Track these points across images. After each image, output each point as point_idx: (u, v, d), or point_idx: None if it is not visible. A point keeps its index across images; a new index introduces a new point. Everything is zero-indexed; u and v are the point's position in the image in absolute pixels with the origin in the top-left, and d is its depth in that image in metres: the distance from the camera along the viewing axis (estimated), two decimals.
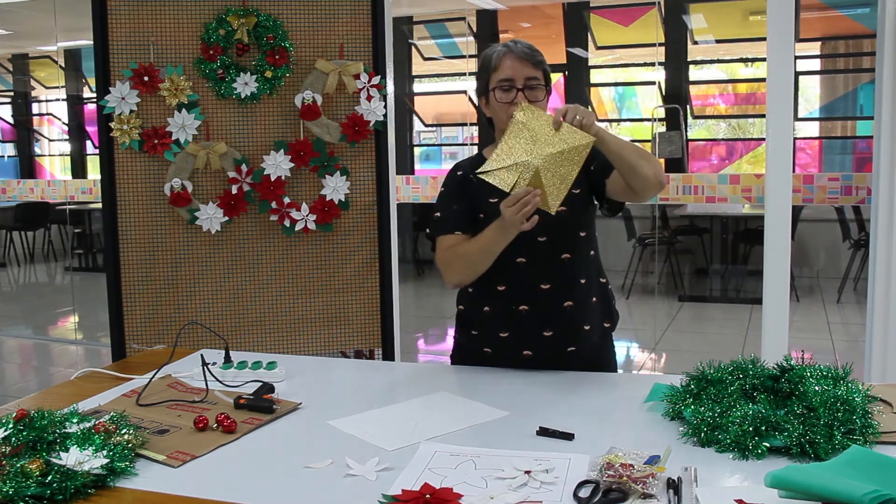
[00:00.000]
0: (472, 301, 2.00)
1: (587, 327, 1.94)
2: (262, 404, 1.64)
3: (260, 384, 1.74)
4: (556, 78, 8.94)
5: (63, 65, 9.37)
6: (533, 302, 1.90)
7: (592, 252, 1.98)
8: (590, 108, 8.73)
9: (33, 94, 10.72)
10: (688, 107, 8.36)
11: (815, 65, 8.51)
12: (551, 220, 1.75)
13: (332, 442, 1.48)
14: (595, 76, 8.95)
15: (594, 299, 1.97)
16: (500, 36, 8.76)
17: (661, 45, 7.89)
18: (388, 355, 2.82)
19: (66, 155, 10.26)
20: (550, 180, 1.65)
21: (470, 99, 8.29)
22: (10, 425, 1.38)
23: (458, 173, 2.02)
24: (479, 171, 1.70)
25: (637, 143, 1.88)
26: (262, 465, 1.39)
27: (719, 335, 6.16)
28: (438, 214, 1.98)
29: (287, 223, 2.67)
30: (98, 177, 2.79)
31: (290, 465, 1.38)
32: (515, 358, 1.92)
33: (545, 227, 1.78)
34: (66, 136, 10.22)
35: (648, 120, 8.36)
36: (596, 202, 1.98)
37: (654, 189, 1.77)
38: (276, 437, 1.53)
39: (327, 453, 1.41)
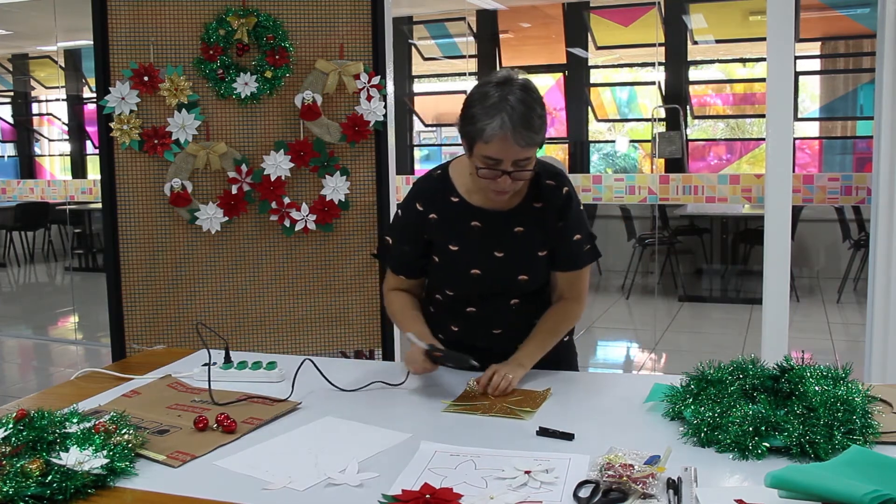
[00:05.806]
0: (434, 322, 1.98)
1: None
2: (459, 359, 1.75)
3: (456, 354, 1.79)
4: (557, 78, 8.94)
5: (63, 65, 9.37)
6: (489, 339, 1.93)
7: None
8: (589, 108, 8.75)
9: (33, 94, 10.73)
10: (688, 107, 8.36)
11: (815, 65, 8.52)
12: (525, 288, 1.86)
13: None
14: (595, 76, 8.95)
15: None
16: (500, 36, 8.76)
17: (661, 45, 7.89)
18: (388, 355, 2.82)
19: (66, 155, 10.27)
20: (517, 398, 1.70)
21: None
22: (10, 425, 1.38)
23: (419, 207, 1.86)
24: (443, 410, 1.66)
25: (557, 326, 1.92)
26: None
27: (719, 335, 6.15)
28: (390, 242, 1.96)
29: (287, 223, 2.67)
30: (98, 177, 2.79)
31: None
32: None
33: (518, 292, 1.87)
34: (66, 136, 10.22)
35: (648, 120, 8.36)
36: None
37: None
38: (276, 437, 1.52)
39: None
